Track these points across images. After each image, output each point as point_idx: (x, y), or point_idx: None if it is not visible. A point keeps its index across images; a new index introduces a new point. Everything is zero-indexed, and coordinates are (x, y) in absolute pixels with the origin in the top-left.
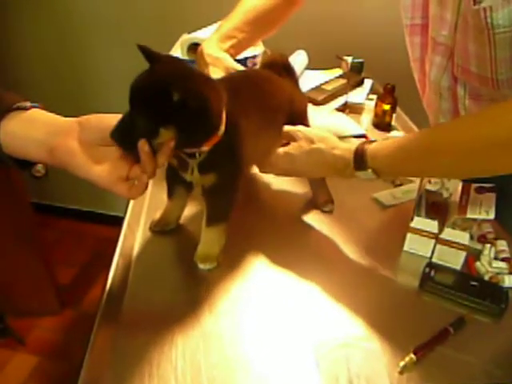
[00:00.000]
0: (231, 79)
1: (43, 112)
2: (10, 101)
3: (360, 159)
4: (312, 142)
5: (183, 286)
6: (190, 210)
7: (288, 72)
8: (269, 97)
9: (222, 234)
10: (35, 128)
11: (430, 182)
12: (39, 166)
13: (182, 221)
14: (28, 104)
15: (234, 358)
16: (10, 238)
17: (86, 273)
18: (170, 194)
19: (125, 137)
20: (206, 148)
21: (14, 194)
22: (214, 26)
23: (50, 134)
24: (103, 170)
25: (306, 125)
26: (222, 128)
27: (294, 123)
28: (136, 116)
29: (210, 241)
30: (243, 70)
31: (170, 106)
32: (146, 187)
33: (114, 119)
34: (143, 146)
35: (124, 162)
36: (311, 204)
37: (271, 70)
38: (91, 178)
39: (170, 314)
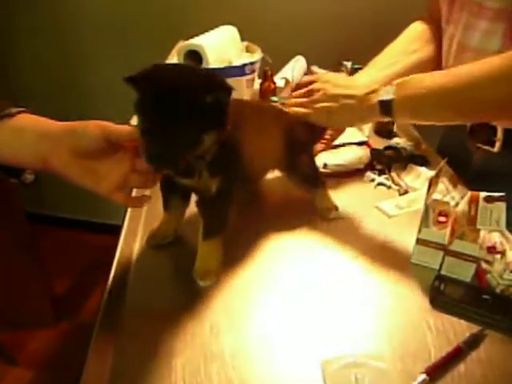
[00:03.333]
0: None
1: (30, 117)
2: None
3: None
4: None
5: (182, 301)
6: (187, 221)
7: None
8: (267, 117)
9: (218, 247)
10: (24, 138)
11: (436, 190)
12: (28, 173)
13: (180, 234)
14: (14, 110)
15: (236, 379)
16: (4, 249)
17: (82, 283)
18: (166, 206)
19: (167, 158)
20: (215, 146)
21: (8, 203)
22: (211, 33)
23: (40, 144)
24: (99, 179)
25: (310, 155)
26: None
27: (294, 151)
28: (175, 132)
29: (207, 255)
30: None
31: (206, 110)
32: (150, 198)
33: (116, 127)
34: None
35: (119, 171)
36: (313, 214)
37: None
38: (87, 188)
39: (169, 331)
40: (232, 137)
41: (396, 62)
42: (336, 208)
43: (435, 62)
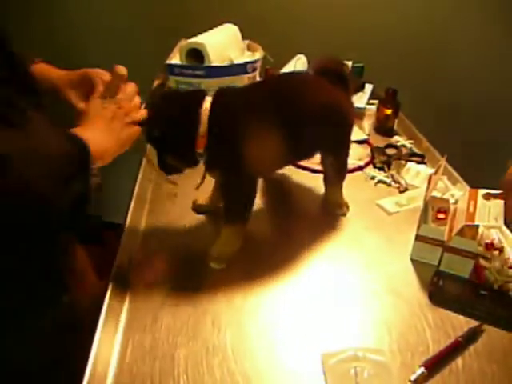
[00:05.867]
0: (256, 84)
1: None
2: None
3: None
4: None
5: (185, 296)
6: (189, 218)
7: (341, 80)
8: (295, 104)
9: (238, 236)
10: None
11: (435, 188)
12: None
13: (182, 230)
14: (37, 59)
15: (238, 372)
16: None
17: None
18: None
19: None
20: (200, 150)
21: None
22: (213, 32)
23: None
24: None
25: (347, 138)
26: (202, 129)
27: (335, 135)
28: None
29: (226, 241)
30: (285, 73)
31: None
32: None
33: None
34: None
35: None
36: (312, 212)
37: (324, 76)
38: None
39: (172, 325)
40: (215, 138)
41: None
42: (347, 205)
43: None
